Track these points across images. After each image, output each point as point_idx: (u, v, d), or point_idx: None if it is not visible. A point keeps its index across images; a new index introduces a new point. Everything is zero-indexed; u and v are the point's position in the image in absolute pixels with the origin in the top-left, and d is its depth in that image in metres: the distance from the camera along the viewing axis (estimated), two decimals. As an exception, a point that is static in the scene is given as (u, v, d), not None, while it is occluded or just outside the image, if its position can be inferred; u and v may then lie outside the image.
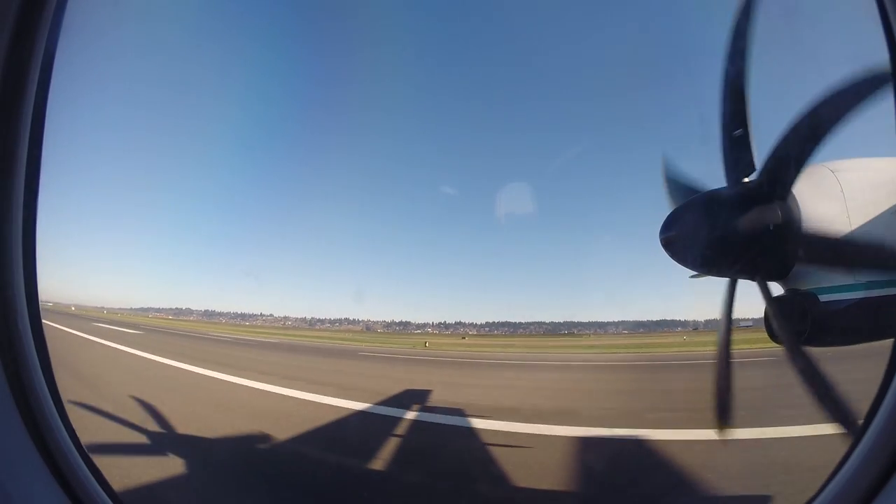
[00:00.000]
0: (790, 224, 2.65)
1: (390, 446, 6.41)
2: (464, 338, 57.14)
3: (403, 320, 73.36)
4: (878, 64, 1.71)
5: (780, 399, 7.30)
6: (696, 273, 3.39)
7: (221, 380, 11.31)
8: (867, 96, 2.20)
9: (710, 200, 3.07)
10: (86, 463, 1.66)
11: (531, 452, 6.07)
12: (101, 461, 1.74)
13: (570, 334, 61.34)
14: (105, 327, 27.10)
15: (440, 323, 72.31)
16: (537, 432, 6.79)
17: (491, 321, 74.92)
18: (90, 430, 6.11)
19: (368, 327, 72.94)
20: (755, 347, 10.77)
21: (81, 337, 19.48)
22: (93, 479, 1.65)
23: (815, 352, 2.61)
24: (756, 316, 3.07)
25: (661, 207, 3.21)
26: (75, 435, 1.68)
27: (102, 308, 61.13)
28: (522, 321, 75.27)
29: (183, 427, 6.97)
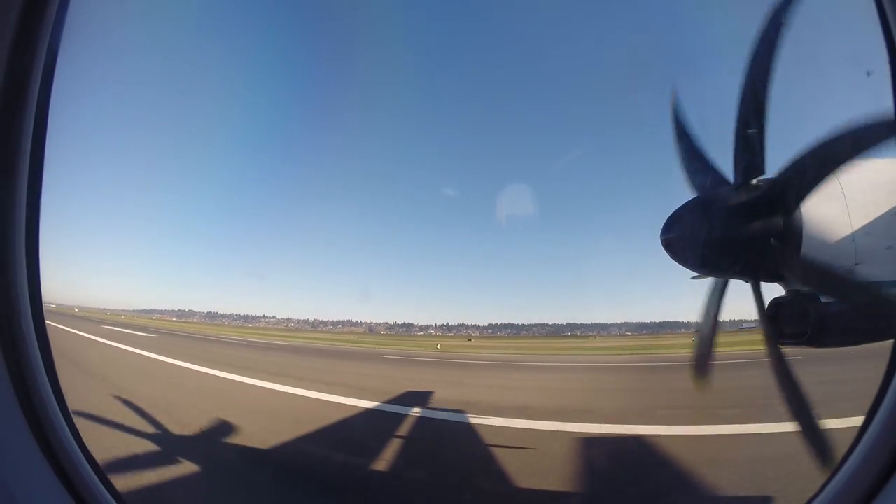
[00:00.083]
0: (791, 228, 2.65)
1: (460, 448, 6.77)
2: (469, 339, 57.11)
3: (406, 322, 73.47)
4: None
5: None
6: (697, 275, 3.39)
7: (291, 393, 10.69)
8: None
9: (710, 202, 3.06)
10: (90, 463, 1.66)
11: (574, 446, 6.35)
12: (105, 463, 1.73)
13: (575, 336, 61.07)
14: (118, 330, 26.56)
15: (443, 325, 72.26)
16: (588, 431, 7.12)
17: (493, 323, 75.03)
18: (112, 437, 5.99)
19: (371, 329, 72.84)
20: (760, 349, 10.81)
21: (100, 342, 18.96)
22: (97, 479, 1.65)
23: (815, 352, 2.62)
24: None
25: (663, 208, 3.21)
26: (79, 435, 1.68)
27: (105, 310, 60.97)
28: (525, 323, 75.60)
29: (220, 433, 6.88)
